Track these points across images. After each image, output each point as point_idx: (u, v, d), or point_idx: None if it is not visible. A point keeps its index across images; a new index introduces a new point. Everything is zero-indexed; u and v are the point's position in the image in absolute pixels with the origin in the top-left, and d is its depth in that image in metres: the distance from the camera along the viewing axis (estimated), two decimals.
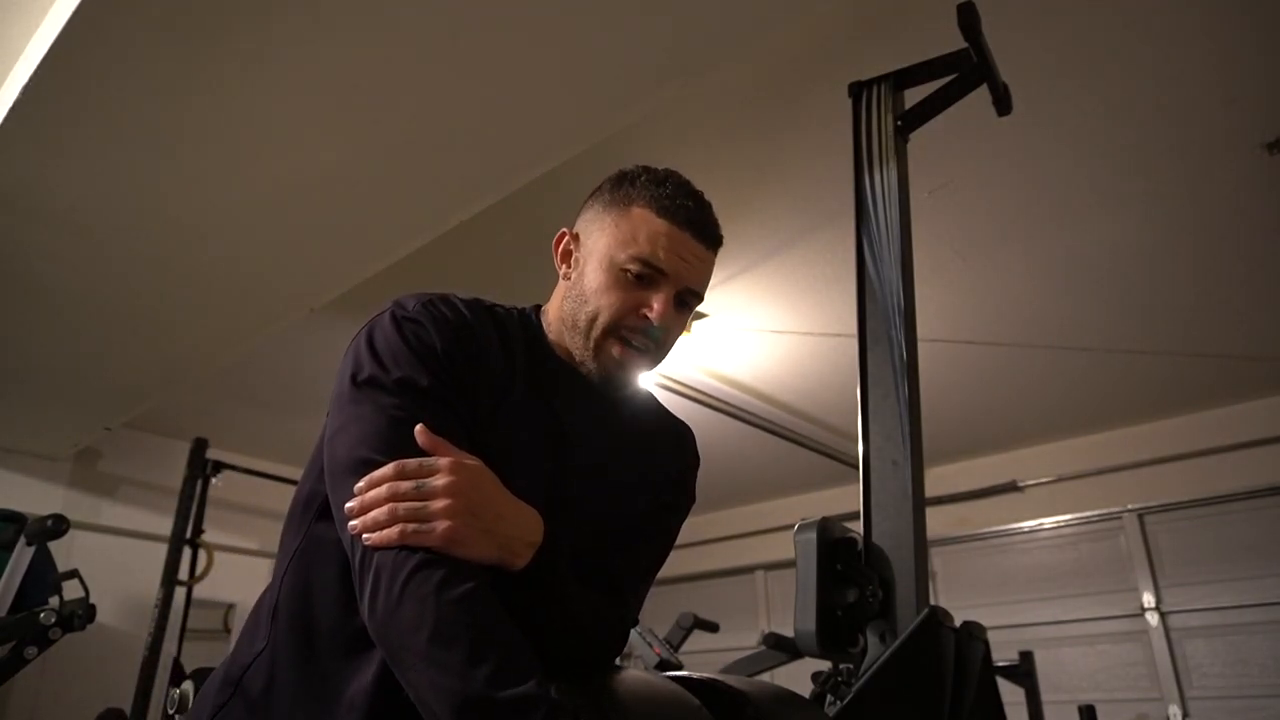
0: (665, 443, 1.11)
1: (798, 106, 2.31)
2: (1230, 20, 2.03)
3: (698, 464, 1.14)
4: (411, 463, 0.79)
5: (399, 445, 0.81)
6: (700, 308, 4.09)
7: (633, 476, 1.03)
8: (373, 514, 0.77)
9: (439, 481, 0.78)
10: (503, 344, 0.95)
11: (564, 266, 1.02)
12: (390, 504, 0.77)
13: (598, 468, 0.99)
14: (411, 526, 0.76)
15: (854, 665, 1.23)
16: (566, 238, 1.03)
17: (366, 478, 0.79)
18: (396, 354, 0.87)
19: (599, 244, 0.97)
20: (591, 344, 0.96)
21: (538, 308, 1.06)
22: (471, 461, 0.82)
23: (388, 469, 0.79)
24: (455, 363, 0.89)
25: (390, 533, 0.76)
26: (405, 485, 0.78)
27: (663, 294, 0.95)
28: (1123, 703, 4.14)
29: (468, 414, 0.88)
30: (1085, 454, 4.57)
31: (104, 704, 3.23)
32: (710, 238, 0.99)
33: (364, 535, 0.77)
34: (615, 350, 0.96)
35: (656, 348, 0.98)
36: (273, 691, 0.85)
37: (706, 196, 1.02)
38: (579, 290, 0.98)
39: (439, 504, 0.77)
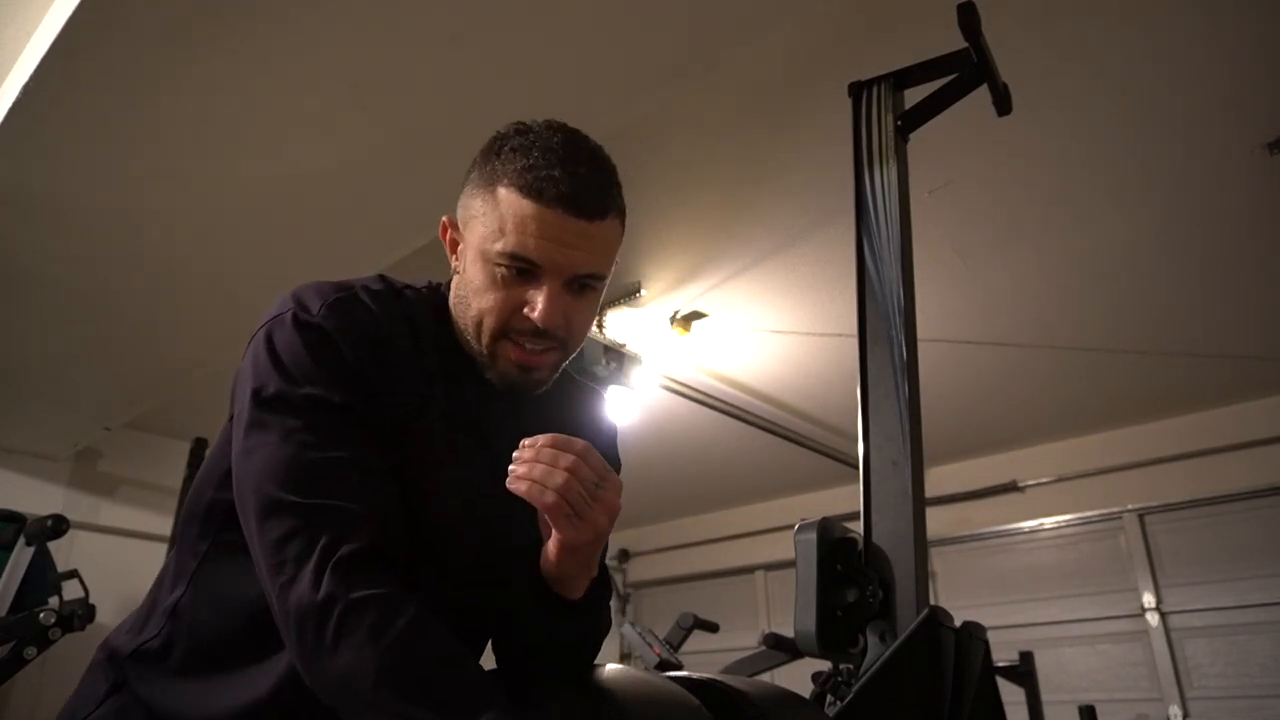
0: (583, 417, 1.04)
1: (798, 106, 2.31)
2: (1231, 20, 2.03)
3: (616, 428, 1.09)
4: (598, 460, 0.77)
5: (308, 480, 0.76)
6: (700, 307, 4.01)
7: None
8: (548, 470, 0.74)
9: (611, 496, 0.77)
10: (414, 340, 0.89)
11: (454, 258, 0.91)
12: (568, 479, 0.74)
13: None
14: (567, 508, 0.74)
15: (854, 665, 1.23)
16: (449, 226, 0.92)
17: (565, 441, 0.76)
18: (303, 366, 0.80)
19: (474, 235, 0.86)
20: (485, 350, 0.87)
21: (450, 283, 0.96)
22: None
23: (580, 444, 0.76)
24: (365, 373, 0.82)
25: (546, 498, 0.73)
26: (588, 474, 0.75)
27: (545, 289, 0.83)
28: (1123, 703, 4.14)
29: (381, 427, 0.83)
30: (1085, 454, 4.57)
31: None
32: (591, 209, 0.83)
33: (521, 480, 0.74)
34: (511, 354, 0.86)
35: (559, 344, 0.88)
36: (167, 691, 0.84)
37: (592, 144, 0.87)
38: (464, 288, 0.88)
39: (600, 513, 0.76)
